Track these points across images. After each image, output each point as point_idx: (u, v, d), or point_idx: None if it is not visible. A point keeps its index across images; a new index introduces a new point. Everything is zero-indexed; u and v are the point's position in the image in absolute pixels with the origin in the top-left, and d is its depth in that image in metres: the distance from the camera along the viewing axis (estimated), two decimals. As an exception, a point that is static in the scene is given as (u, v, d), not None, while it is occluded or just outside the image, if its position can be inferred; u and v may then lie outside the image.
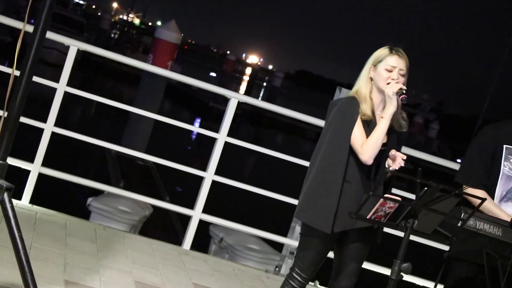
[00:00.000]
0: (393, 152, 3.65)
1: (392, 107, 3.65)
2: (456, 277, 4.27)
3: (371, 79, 3.78)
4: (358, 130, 3.69)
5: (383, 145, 3.74)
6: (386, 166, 3.70)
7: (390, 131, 3.78)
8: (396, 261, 3.45)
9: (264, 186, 6.42)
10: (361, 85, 3.80)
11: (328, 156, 3.73)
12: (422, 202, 3.36)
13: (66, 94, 5.97)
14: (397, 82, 3.67)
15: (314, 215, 3.73)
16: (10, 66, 3.34)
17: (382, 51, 3.77)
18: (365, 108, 3.72)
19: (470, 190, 4.09)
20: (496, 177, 4.20)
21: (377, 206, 3.40)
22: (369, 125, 3.71)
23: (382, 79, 3.70)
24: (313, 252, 3.84)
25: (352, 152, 3.70)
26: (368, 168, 3.73)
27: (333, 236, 3.77)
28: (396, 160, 3.64)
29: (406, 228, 3.42)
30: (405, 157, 3.65)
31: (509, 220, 3.99)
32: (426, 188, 3.33)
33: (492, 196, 4.19)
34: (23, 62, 2.92)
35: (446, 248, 5.75)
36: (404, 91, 3.66)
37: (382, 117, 3.68)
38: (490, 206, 4.11)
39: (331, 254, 3.99)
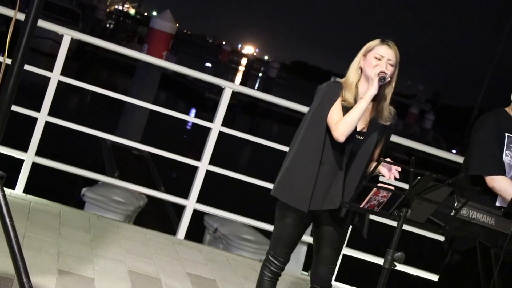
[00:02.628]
0: (387, 163, 3.64)
1: (373, 88, 3.67)
2: (450, 266, 4.28)
3: (361, 69, 3.80)
4: (335, 108, 3.72)
5: (361, 134, 3.76)
6: (377, 173, 3.71)
7: (373, 123, 3.79)
8: (389, 250, 3.45)
9: (259, 176, 6.42)
10: (350, 74, 3.83)
11: (306, 137, 3.77)
12: (416, 191, 3.36)
13: (63, 84, 5.95)
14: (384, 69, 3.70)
15: (292, 193, 3.76)
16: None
17: (373, 42, 3.82)
18: (348, 95, 3.75)
19: (499, 180, 4.04)
20: None
21: (370, 195, 3.40)
22: (347, 112, 3.73)
23: (370, 66, 3.73)
24: (287, 234, 3.88)
25: (328, 134, 3.73)
26: (341, 153, 3.73)
27: (305, 216, 3.81)
28: (392, 170, 3.64)
29: (399, 217, 3.42)
30: (399, 169, 3.65)
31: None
32: (419, 177, 3.33)
33: None
34: (15, 50, 2.90)
35: (441, 238, 5.76)
36: (386, 76, 3.67)
37: (361, 98, 3.70)
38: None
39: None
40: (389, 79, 3.70)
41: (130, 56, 6.50)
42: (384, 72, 3.66)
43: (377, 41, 3.79)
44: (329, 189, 3.72)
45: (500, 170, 4.12)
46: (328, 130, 3.73)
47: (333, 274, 3.98)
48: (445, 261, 4.31)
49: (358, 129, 3.76)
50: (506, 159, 4.17)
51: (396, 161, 3.67)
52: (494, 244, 3.94)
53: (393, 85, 3.82)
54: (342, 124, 3.66)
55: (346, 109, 3.72)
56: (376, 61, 3.72)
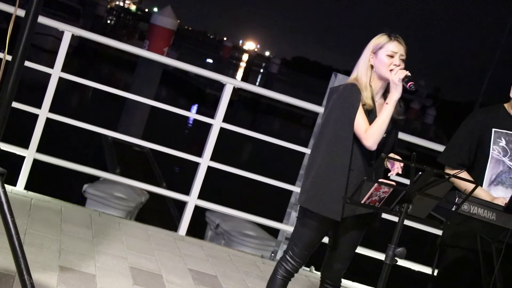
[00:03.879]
0: (390, 159, 3.64)
1: (397, 93, 3.65)
2: (449, 262, 4.28)
3: (372, 66, 3.77)
4: (361, 117, 3.70)
5: (385, 132, 3.74)
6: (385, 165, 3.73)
7: (392, 119, 3.79)
8: (391, 245, 3.45)
9: (260, 172, 6.41)
10: (361, 73, 3.79)
11: (332, 145, 3.73)
12: (417, 186, 3.36)
13: (64, 80, 5.95)
14: (400, 68, 3.67)
15: (323, 203, 3.72)
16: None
17: (381, 38, 3.77)
18: (366, 97, 3.73)
19: (448, 171, 4.14)
20: (485, 161, 4.22)
21: (371, 190, 3.40)
22: (370, 114, 3.72)
23: (384, 65, 3.70)
24: (309, 236, 3.86)
25: (354, 140, 3.71)
26: (369, 155, 3.74)
27: (331, 221, 3.79)
28: (395, 166, 3.66)
29: (401, 212, 3.42)
30: (401, 166, 3.66)
31: (489, 199, 4.02)
32: (420, 172, 3.33)
33: (482, 180, 4.20)
34: (15, 46, 2.90)
35: (440, 233, 5.77)
36: (410, 78, 3.65)
37: (386, 103, 3.68)
38: (478, 191, 4.12)
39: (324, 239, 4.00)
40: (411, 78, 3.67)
41: (131, 52, 6.50)
42: (407, 76, 3.62)
43: (385, 37, 3.75)
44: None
45: (456, 164, 4.24)
46: (355, 137, 3.70)
47: (345, 270, 3.98)
48: (445, 256, 4.32)
49: None
50: (494, 153, 4.22)
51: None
52: (495, 238, 3.95)
53: None
54: (372, 133, 3.64)
55: (367, 112, 3.71)
56: (389, 59, 3.69)
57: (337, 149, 3.71)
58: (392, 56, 3.71)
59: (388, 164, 3.71)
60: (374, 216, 3.87)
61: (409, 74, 3.64)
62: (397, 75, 3.64)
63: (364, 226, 3.89)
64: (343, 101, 3.74)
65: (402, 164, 3.66)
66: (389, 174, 3.69)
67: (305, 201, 3.80)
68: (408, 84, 3.62)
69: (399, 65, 3.69)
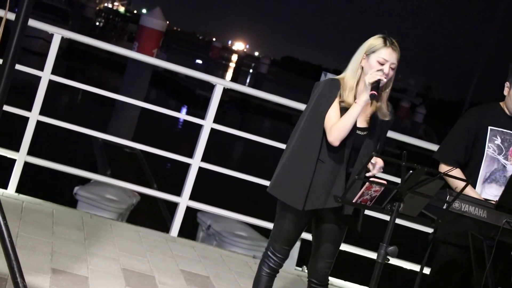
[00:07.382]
0: (375, 159, 3.65)
1: (366, 95, 3.65)
2: (442, 260, 4.30)
3: (362, 68, 3.77)
4: (332, 111, 3.72)
5: (364, 130, 3.76)
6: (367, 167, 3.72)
7: (374, 119, 3.79)
8: (382, 244, 3.46)
9: (251, 172, 6.42)
10: (349, 73, 3.78)
11: (304, 135, 3.78)
12: (408, 185, 3.38)
13: (53, 83, 5.94)
14: (386, 76, 3.67)
15: (287, 191, 3.78)
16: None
17: (377, 41, 3.73)
18: (347, 96, 3.73)
19: (442, 167, 4.18)
20: (480, 158, 4.25)
21: (363, 190, 3.41)
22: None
23: (372, 69, 3.70)
24: (286, 230, 3.90)
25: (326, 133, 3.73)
26: (342, 151, 3.74)
27: (305, 214, 3.82)
28: (376, 166, 3.66)
29: (392, 211, 3.44)
30: (383, 165, 3.66)
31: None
32: (411, 171, 3.34)
33: (476, 177, 4.23)
34: (6, 50, 2.90)
35: (431, 230, 5.79)
36: (378, 86, 3.64)
37: (355, 102, 3.69)
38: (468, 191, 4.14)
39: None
40: (380, 91, 3.68)
41: (121, 54, 6.50)
42: (378, 82, 3.63)
43: (380, 42, 3.72)
44: (331, 187, 3.72)
45: (452, 161, 4.28)
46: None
47: (330, 268, 3.98)
48: (437, 254, 4.34)
49: (360, 126, 3.75)
50: (489, 151, 4.26)
51: (387, 155, 3.68)
52: (486, 236, 3.97)
53: (391, 84, 3.79)
54: (335, 129, 3.67)
55: (345, 110, 3.71)
56: (378, 65, 3.68)
57: (307, 141, 3.76)
58: (382, 64, 3.69)
59: (369, 165, 3.70)
60: (354, 214, 3.86)
61: (383, 80, 3.65)
62: (370, 77, 3.66)
63: (344, 223, 3.89)
64: (319, 95, 3.78)
65: (382, 165, 3.66)
66: (368, 174, 3.67)
67: (271, 187, 3.87)
68: (370, 92, 3.63)
69: (387, 73, 3.68)
